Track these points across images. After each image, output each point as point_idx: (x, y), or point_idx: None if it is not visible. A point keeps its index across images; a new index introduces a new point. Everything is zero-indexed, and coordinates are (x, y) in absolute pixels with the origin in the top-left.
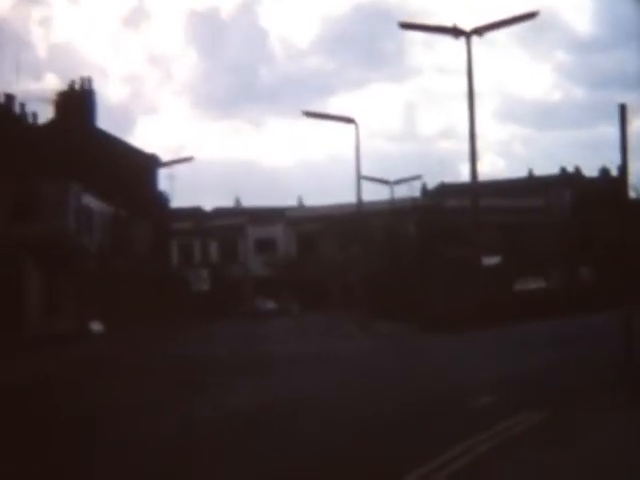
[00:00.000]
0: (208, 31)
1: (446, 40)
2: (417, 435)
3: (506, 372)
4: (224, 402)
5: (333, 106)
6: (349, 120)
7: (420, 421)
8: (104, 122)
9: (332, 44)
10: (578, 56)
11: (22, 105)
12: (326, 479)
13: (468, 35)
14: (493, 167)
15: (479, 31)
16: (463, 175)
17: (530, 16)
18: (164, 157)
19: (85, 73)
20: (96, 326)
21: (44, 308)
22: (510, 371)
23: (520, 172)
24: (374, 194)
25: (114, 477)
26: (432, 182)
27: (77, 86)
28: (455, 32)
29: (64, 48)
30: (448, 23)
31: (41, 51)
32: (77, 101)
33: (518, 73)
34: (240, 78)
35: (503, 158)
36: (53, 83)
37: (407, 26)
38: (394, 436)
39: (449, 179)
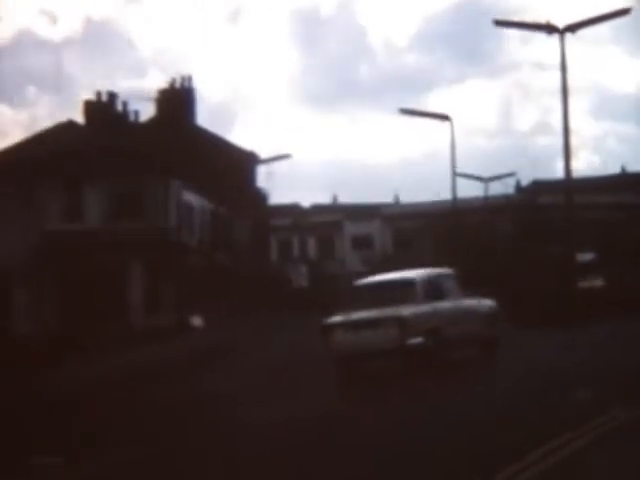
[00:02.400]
0: (308, 28)
1: (543, 36)
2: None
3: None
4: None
5: (431, 102)
6: (444, 117)
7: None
8: (204, 119)
9: (430, 41)
10: None
11: (124, 103)
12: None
13: (561, 32)
14: (588, 164)
15: (572, 28)
16: (558, 172)
17: (623, 12)
18: (263, 154)
19: (186, 71)
20: (197, 321)
21: (146, 303)
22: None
23: (614, 168)
24: (470, 190)
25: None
26: (527, 179)
27: (177, 84)
28: (548, 29)
29: (166, 46)
30: (547, 18)
31: (144, 49)
32: (177, 99)
33: (613, 68)
34: (339, 75)
35: (598, 154)
36: (155, 81)
37: (501, 23)
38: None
39: (544, 175)
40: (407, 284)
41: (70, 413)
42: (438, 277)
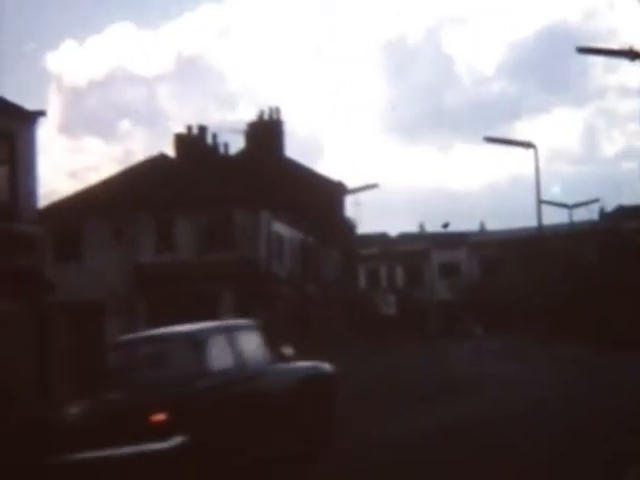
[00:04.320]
0: (394, 58)
1: (627, 61)
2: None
3: None
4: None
5: (517, 130)
6: (529, 145)
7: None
8: (293, 151)
9: (516, 69)
10: None
11: (214, 136)
12: None
13: None
14: None
15: None
16: None
17: None
18: (351, 184)
19: (275, 103)
20: (287, 350)
21: None
22: None
23: None
24: (555, 217)
25: None
26: (612, 204)
27: (266, 116)
28: (631, 55)
29: (255, 79)
30: (631, 43)
31: (233, 83)
32: (266, 131)
33: None
34: (425, 104)
35: None
36: (244, 113)
37: (584, 50)
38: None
39: (629, 201)
40: None
41: None
42: None
